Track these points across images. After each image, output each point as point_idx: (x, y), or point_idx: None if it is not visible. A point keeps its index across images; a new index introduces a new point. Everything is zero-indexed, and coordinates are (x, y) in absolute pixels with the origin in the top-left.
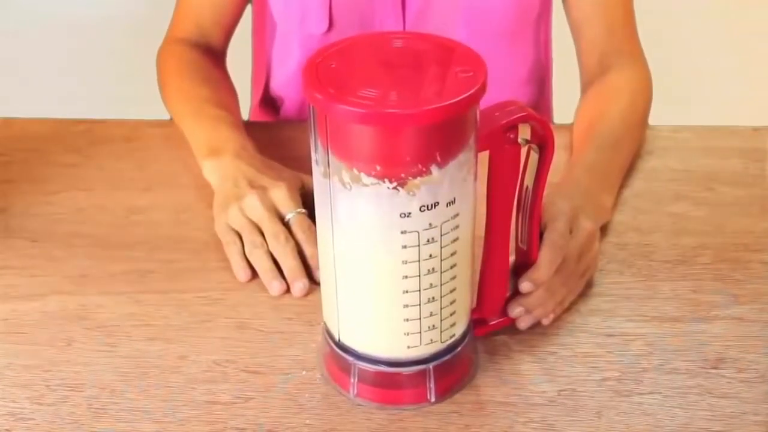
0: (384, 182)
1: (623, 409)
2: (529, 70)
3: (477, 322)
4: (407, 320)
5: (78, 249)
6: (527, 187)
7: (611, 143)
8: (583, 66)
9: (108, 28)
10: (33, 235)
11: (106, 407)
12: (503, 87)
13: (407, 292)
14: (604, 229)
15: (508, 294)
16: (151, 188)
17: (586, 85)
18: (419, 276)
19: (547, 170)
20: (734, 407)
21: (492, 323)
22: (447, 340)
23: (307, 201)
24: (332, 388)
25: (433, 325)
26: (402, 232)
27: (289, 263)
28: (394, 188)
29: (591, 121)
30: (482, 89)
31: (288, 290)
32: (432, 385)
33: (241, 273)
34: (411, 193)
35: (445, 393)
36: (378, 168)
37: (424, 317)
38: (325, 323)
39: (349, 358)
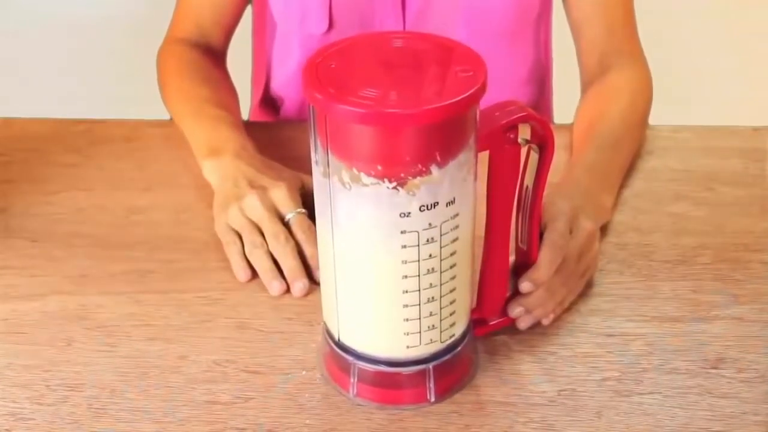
0: (384, 182)
1: (623, 409)
2: (529, 70)
3: (477, 322)
4: (407, 320)
5: (78, 249)
6: (527, 187)
7: (611, 143)
8: (583, 66)
9: (108, 28)
10: (33, 235)
11: (106, 407)
12: (503, 87)
13: (407, 291)
14: (604, 229)
15: (508, 294)
16: (151, 188)
17: (586, 85)
18: (419, 276)
19: (547, 170)
20: (734, 407)
21: (492, 323)
22: (447, 340)
23: (307, 201)
24: (332, 388)
25: (433, 325)
26: (402, 232)
27: (289, 263)
28: (394, 188)
29: (591, 121)
30: (482, 89)
31: (288, 290)
32: (432, 385)
33: (241, 273)
34: (411, 193)
35: (444, 393)
36: (378, 168)
37: (424, 317)
38: (324, 323)
39: (349, 358)
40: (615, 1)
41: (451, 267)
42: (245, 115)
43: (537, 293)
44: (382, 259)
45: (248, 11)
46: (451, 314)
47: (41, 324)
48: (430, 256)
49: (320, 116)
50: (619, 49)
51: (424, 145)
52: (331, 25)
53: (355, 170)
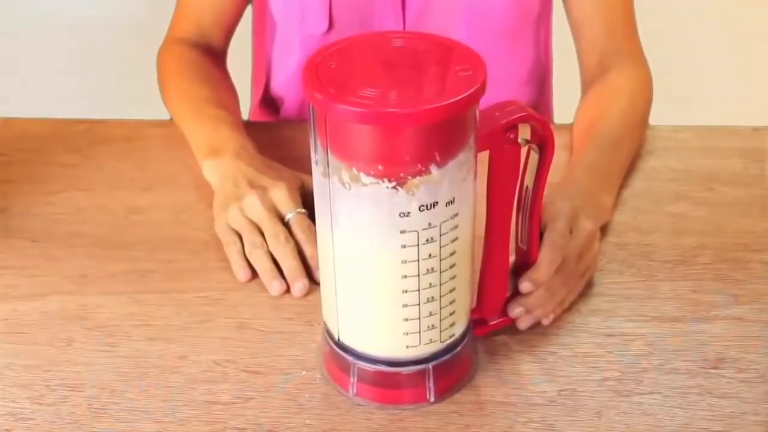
0: (383, 182)
1: (623, 409)
2: (529, 70)
3: (477, 322)
4: (406, 320)
5: (78, 249)
6: (527, 187)
7: (611, 143)
8: (584, 66)
9: (108, 28)
10: (33, 235)
11: (106, 407)
12: (503, 87)
13: (406, 291)
14: (604, 229)
15: (508, 294)
16: (151, 188)
17: (586, 85)
18: (418, 276)
19: (547, 170)
20: (734, 407)
21: (492, 323)
22: (446, 339)
23: (307, 201)
24: (332, 388)
25: (433, 325)
26: (401, 232)
27: (289, 263)
28: (394, 188)
29: (591, 121)
30: (482, 89)
31: (288, 290)
32: (431, 384)
33: (241, 273)
34: (410, 192)
35: (444, 393)
36: (377, 168)
37: (424, 317)
38: (324, 323)
39: (349, 358)
40: (615, 1)
41: (451, 267)
42: (245, 115)
43: (537, 293)
44: (381, 259)
45: (248, 11)
46: (450, 314)
47: (41, 324)
48: (430, 255)
49: (320, 116)
50: (619, 49)
51: (424, 145)
52: (331, 25)
53: (354, 170)
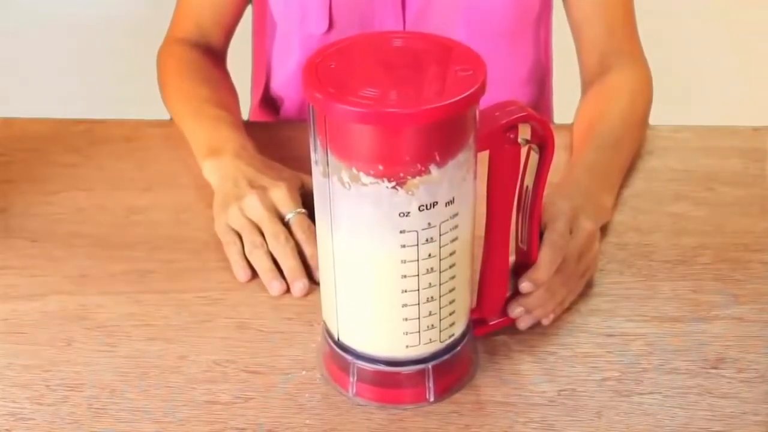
0: (383, 182)
1: (623, 409)
2: (529, 70)
3: (477, 322)
4: (406, 319)
5: (78, 249)
6: (527, 187)
7: (611, 143)
8: (584, 66)
9: (108, 28)
10: (33, 235)
11: (106, 407)
12: (503, 87)
13: (406, 291)
14: (604, 229)
15: (508, 294)
16: (151, 188)
17: (586, 85)
18: (418, 275)
19: (547, 170)
20: (734, 407)
21: (492, 323)
22: (446, 339)
23: (307, 201)
24: (332, 388)
25: (432, 325)
26: (401, 232)
27: (289, 263)
28: (393, 188)
29: (591, 121)
30: (482, 89)
31: (288, 290)
32: (431, 384)
33: (241, 273)
34: (410, 192)
35: (444, 393)
36: (377, 167)
37: (423, 317)
38: (324, 322)
39: (349, 358)
40: (615, 1)
41: (451, 267)
42: (245, 115)
43: (537, 293)
44: (381, 259)
45: (248, 11)
46: (450, 314)
47: (41, 324)
48: (430, 255)
49: (320, 116)
50: (619, 49)
51: (424, 145)
52: (331, 25)
53: (354, 170)
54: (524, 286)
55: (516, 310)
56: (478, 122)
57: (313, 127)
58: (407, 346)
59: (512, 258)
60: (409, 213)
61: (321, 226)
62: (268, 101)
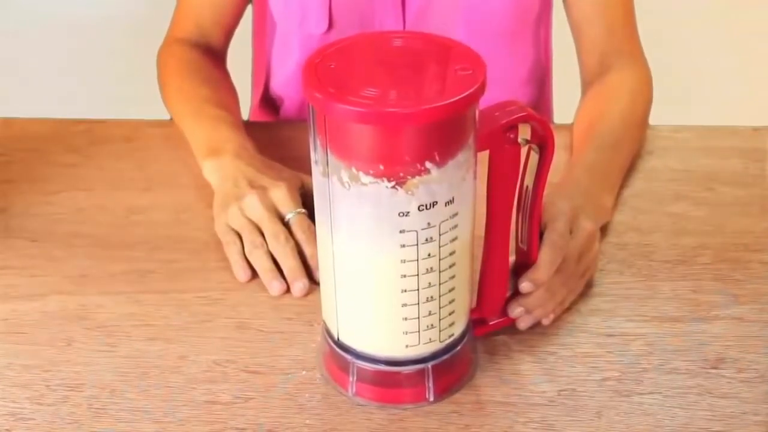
0: (383, 181)
1: (623, 409)
2: (529, 70)
3: (477, 322)
4: (406, 319)
5: (78, 249)
6: (527, 187)
7: (611, 143)
8: (584, 66)
9: (108, 28)
10: (33, 235)
11: (106, 407)
12: (503, 87)
13: (406, 291)
14: (604, 229)
15: (508, 294)
16: (151, 188)
17: (586, 85)
18: (418, 275)
19: (547, 170)
20: (734, 407)
21: (492, 323)
22: (446, 339)
23: (307, 201)
24: (332, 388)
25: (432, 325)
26: (400, 232)
27: (289, 263)
28: (393, 187)
29: (591, 121)
30: (481, 88)
31: (288, 290)
32: (431, 384)
33: (241, 273)
34: (409, 192)
35: (444, 392)
36: (377, 167)
37: (423, 316)
38: (324, 322)
39: (348, 357)
40: (615, 1)
41: (450, 266)
42: (245, 115)
43: (537, 293)
44: (381, 259)
45: (248, 11)
46: (450, 314)
47: (41, 324)
48: (429, 255)
49: (319, 116)
50: (619, 49)
51: (423, 145)
52: (330, 25)
53: (354, 169)
54: (524, 286)
55: (516, 310)
56: (477, 122)
57: (313, 127)
58: (407, 346)
59: (512, 258)
60: (408, 213)
61: (321, 226)
62: (268, 101)
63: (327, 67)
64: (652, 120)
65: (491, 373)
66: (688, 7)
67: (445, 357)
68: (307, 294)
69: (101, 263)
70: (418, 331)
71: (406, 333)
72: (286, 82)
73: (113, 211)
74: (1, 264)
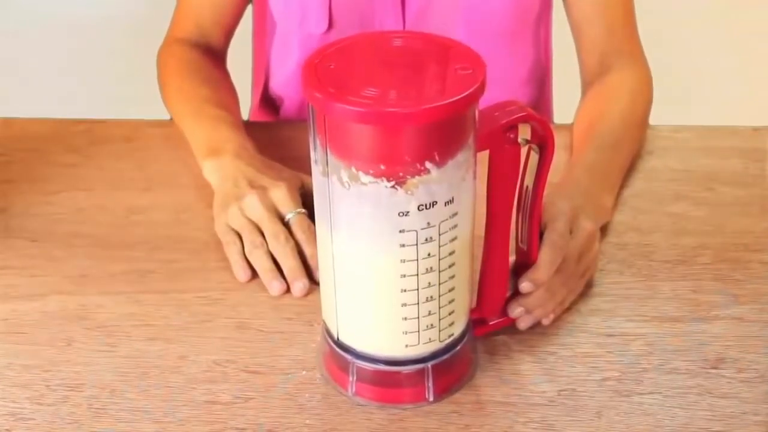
0: (382, 181)
1: (623, 409)
2: (529, 70)
3: (477, 322)
4: (405, 319)
5: (78, 249)
6: (527, 187)
7: (611, 143)
8: (584, 66)
9: (108, 28)
10: (33, 235)
11: (106, 407)
12: (503, 87)
13: (405, 291)
14: (604, 229)
15: (508, 294)
16: (151, 188)
17: (586, 85)
18: (417, 275)
19: (547, 170)
20: (734, 407)
21: (492, 323)
22: (445, 339)
23: (307, 201)
24: (332, 388)
25: (432, 325)
26: (400, 231)
27: (289, 263)
28: (393, 187)
29: (591, 121)
30: (481, 88)
31: (288, 290)
32: (430, 384)
33: (241, 273)
34: (409, 192)
35: (443, 392)
36: (376, 167)
37: (423, 316)
38: (324, 322)
39: (348, 357)
40: (615, 1)
41: (450, 266)
42: (245, 115)
43: (537, 293)
44: (380, 258)
45: (248, 11)
46: (450, 314)
47: (41, 324)
48: (429, 255)
49: (319, 115)
50: (619, 49)
51: (423, 145)
52: (330, 25)
53: (353, 169)
54: (524, 286)
55: (516, 310)
56: (477, 122)
57: (313, 127)
58: (407, 346)
59: (512, 258)
60: (408, 212)
61: (320, 226)
62: (268, 101)
63: (327, 67)
64: (652, 120)
65: (491, 373)
66: (688, 7)
67: (444, 357)
68: (307, 294)
69: (101, 263)
70: (418, 331)
71: (406, 333)
72: (285, 82)
73: (113, 211)
74: (1, 264)
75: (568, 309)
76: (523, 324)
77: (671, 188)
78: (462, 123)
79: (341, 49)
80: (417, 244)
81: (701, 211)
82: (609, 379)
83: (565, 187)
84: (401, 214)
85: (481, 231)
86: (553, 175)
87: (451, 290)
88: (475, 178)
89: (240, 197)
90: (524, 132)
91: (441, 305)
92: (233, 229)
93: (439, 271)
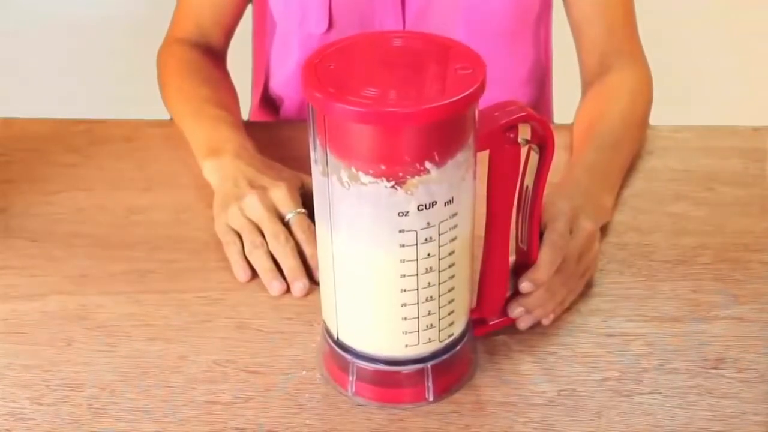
0: (382, 181)
1: (623, 409)
2: (529, 70)
3: (477, 322)
4: (405, 319)
5: (78, 249)
6: (527, 187)
7: (611, 143)
8: (584, 66)
9: (108, 28)
10: (33, 235)
11: (106, 407)
12: (503, 87)
13: (405, 291)
14: (604, 229)
15: (508, 294)
16: (151, 188)
17: (586, 85)
18: (417, 275)
19: (547, 170)
20: (734, 407)
21: (492, 323)
22: (445, 339)
23: (307, 201)
24: (332, 387)
25: (431, 324)
26: (400, 231)
27: (289, 263)
28: (392, 187)
29: (591, 121)
30: (481, 88)
31: (288, 290)
32: (430, 384)
33: (241, 273)
34: (409, 192)
35: (443, 392)
36: (376, 167)
37: (422, 316)
38: (324, 322)
39: (348, 357)
40: (615, 1)
41: (450, 266)
42: (245, 115)
43: (537, 293)
44: (380, 258)
45: (248, 11)
46: (449, 314)
47: (41, 324)
48: (429, 255)
49: (319, 115)
50: (619, 49)
51: (423, 145)
52: (330, 25)
53: (353, 169)
54: (524, 286)
55: (516, 310)
56: (477, 122)
57: (313, 127)
58: (406, 346)
59: (512, 258)
60: (408, 212)
61: (320, 226)
62: (268, 101)
63: (327, 67)
64: (652, 120)
65: (491, 373)
66: (688, 7)
67: (444, 357)
68: (307, 294)
69: (101, 263)
70: (418, 331)
71: (406, 333)
72: (285, 82)
73: (113, 211)
74: (1, 264)
75: (568, 309)
76: (523, 324)
77: (671, 188)
78: (462, 123)
79: (341, 49)
80: (417, 244)
81: (701, 211)
82: (609, 379)
83: (565, 187)
84: (401, 214)
85: (481, 231)
86: (553, 175)
87: (450, 290)
88: (475, 178)
89: (240, 197)
90: (524, 132)
91: (441, 305)
92: (233, 229)
93: (439, 271)
